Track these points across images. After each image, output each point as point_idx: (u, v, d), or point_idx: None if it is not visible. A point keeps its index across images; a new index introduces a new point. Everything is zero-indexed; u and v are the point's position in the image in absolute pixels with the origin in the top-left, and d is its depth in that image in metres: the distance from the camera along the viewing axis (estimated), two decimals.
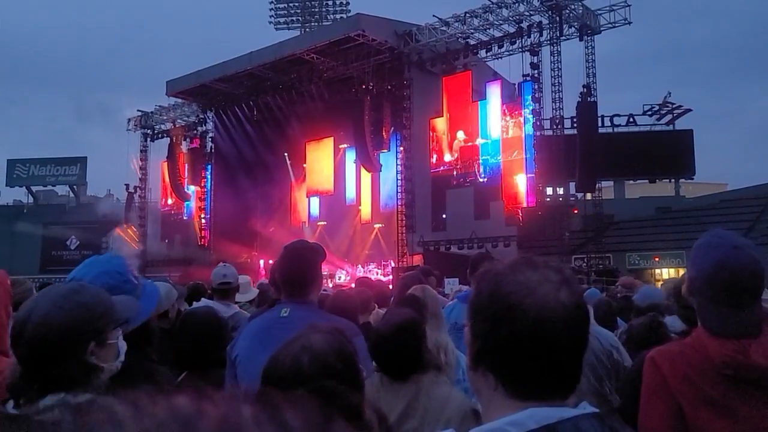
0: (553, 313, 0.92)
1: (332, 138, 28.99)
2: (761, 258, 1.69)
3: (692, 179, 35.86)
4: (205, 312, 2.99)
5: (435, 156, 24.93)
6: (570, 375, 0.95)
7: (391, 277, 21.96)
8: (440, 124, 25.03)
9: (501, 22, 23.07)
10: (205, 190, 31.50)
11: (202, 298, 4.74)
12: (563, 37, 22.52)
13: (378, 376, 2.31)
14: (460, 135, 24.42)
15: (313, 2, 45.74)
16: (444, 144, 24.83)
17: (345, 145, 28.50)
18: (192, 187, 32.71)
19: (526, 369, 0.92)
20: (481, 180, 23.58)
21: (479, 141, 23.84)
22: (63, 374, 1.40)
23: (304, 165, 30.44)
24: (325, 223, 29.29)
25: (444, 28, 23.90)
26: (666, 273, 24.36)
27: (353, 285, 9.39)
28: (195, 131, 32.18)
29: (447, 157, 24.77)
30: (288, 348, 1.47)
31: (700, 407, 1.63)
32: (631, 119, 32.62)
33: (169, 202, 34.56)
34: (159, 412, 0.34)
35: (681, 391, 1.65)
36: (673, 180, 34.86)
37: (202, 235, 31.23)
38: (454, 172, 24.55)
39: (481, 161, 23.66)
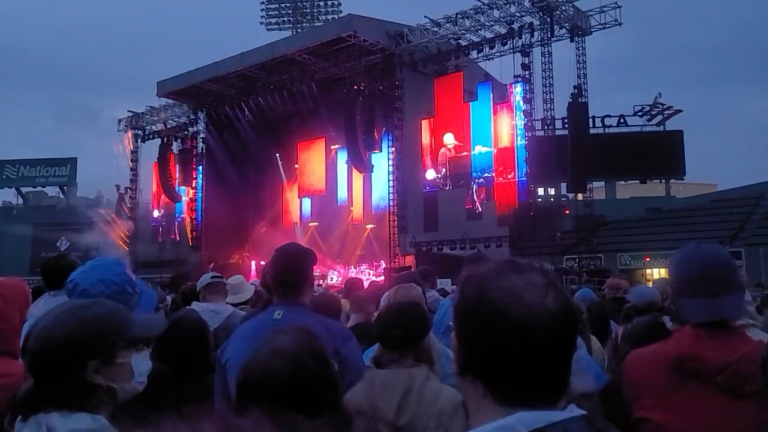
0: (540, 320, 0.91)
1: (324, 139, 28.97)
2: (727, 254, 1.86)
3: (682, 180, 36.07)
4: (193, 318, 2.94)
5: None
6: (559, 380, 0.94)
7: (383, 277, 21.94)
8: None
9: (492, 23, 23.14)
10: (196, 191, 31.35)
11: (193, 302, 4.67)
12: (554, 38, 22.64)
13: (370, 373, 2.31)
14: (449, 140, 24.33)
15: (304, 3, 45.71)
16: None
17: (337, 146, 28.46)
18: (183, 188, 32.56)
19: (514, 376, 0.91)
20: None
21: (474, 150, 23.77)
22: (56, 391, 1.36)
23: (296, 165, 30.41)
24: (317, 223, 29.24)
25: (435, 29, 23.93)
26: (657, 273, 24.48)
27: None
28: (186, 132, 32.01)
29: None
30: (258, 354, 1.46)
31: (651, 402, 1.74)
32: (622, 120, 32.80)
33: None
34: None
35: (638, 388, 1.78)
36: (663, 180, 35.11)
37: (193, 236, 31.07)
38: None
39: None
